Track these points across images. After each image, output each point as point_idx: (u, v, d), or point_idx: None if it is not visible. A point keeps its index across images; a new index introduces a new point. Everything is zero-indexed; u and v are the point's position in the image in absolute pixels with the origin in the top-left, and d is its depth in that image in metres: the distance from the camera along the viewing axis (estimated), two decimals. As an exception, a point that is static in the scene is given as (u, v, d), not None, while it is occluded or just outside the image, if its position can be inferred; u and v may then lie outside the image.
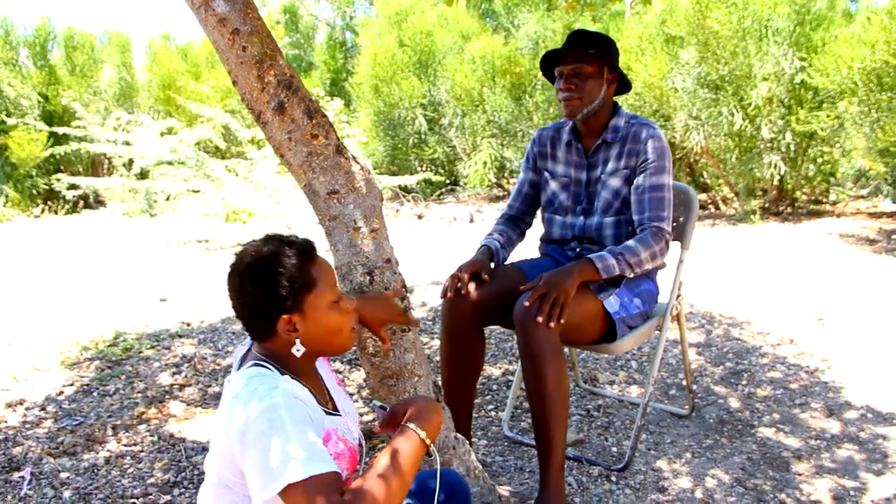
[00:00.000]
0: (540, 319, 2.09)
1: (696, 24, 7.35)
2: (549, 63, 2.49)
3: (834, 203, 8.74)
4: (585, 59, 2.36)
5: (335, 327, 1.45)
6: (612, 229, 2.47)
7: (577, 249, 2.55)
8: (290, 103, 1.88)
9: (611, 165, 2.46)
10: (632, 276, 2.37)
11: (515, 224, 2.73)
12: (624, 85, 2.50)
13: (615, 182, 2.45)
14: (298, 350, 1.42)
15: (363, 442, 1.56)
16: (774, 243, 6.50)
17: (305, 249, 1.44)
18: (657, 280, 2.59)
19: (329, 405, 1.52)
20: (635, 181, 2.40)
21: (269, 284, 1.38)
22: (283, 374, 1.39)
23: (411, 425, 1.36)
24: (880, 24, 6.51)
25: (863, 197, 9.07)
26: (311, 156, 1.90)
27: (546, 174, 2.63)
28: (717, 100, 7.46)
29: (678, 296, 2.66)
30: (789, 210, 8.15)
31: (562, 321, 2.11)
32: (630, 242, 2.33)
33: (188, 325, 4.46)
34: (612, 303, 2.32)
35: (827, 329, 4.06)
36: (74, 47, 12.23)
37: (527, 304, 2.14)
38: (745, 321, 4.20)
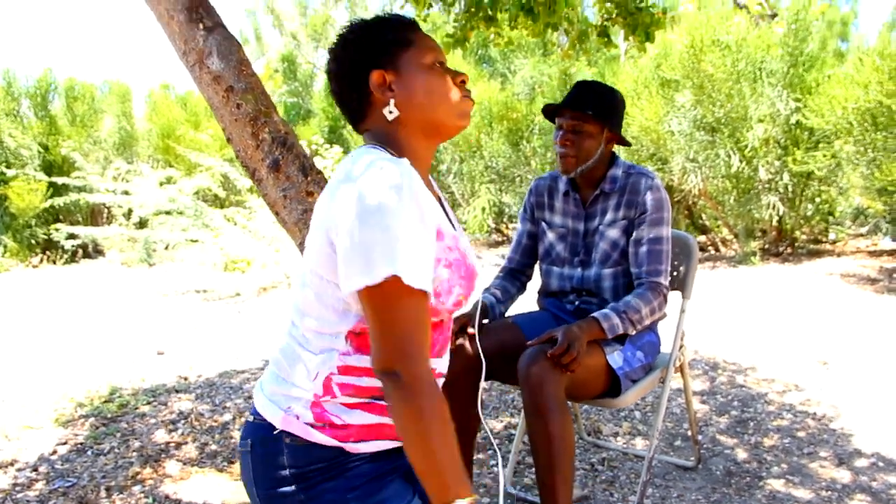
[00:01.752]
0: (561, 372, 2.09)
1: (691, 68, 7.41)
2: (550, 115, 2.48)
3: (834, 242, 8.73)
4: (586, 118, 2.35)
5: (439, 89, 1.29)
6: (611, 281, 2.44)
7: (576, 302, 2.51)
8: (284, 161, 1.87)
9: (609, 216, 2.44)
10: (633, 332, 2.34)
11: (515, 277, 2.70)
12: (624, 142, 2.49)
13: (613, 233, 2.42)
14: (391, 112, 1.27)
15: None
16: (776, 285, 6.46)
17: (406, 19, 1.32)
18: (658, 331, 2.55)
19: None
20: (634, 233, 2.38)
21: (360, 41, 1.29)
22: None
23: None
24: (872, 64, 6.57)
25: (862, 235, 9.06)
26: (306, 213, 1.88)
27: (543, 225, 2.61)
28: (713, 142, 7.49)
29: (681, 346, 2.62)
30: (789, 250, 8.13)
31: (573, 371, 2.09)
32: (630, 299, 2.30)
33: (185, 379, 4.41)
34: (615, 358, 2.28)
35: (832, 373, 4.00)
36: (75, 97, 12.31)
37: (549, 354, 2.10)
38: (749, 367, 4.15)
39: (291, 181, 1.85)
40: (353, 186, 1.14)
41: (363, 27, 1.31)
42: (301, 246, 1.93)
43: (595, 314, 2.26)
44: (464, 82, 1.34)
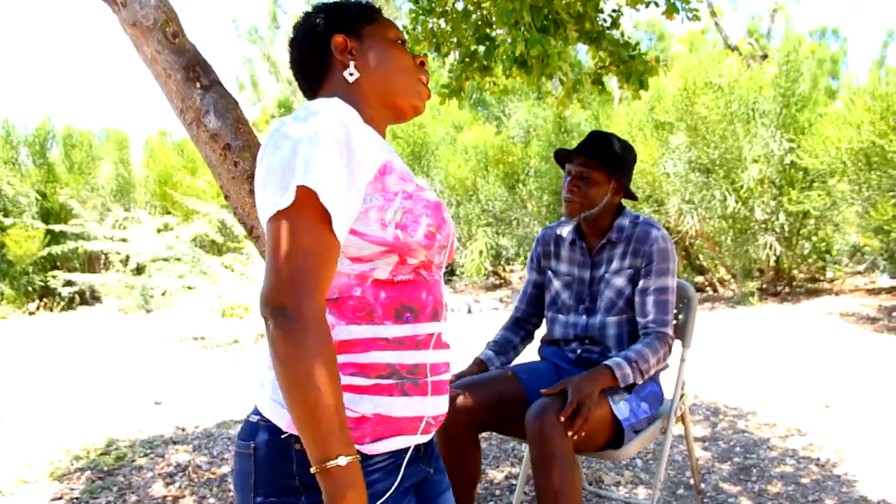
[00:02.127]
0: (571, 434, 2.05)
1: (685, 110, 7.48)
2: (560, 160, 2.53)
3: (832, 280, 8.74)
4: (594, 166, 2.39)
5: (399, 61, 1.31)
6: (615, 329, 2.44)
7: (578, 351, 2.50)
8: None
9: (615, 265, 2.45)
10: (640, 382, 2.33)
11: (520, 326, 2.71)
12: (631, 194, 2.52)
13: (619, 281, 2.43)
14: (352, 74, 1.28)
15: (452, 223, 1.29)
16: (775, 326, 6.45)
17: (371, 4, 1.36)
18: (660, 381, 2.54)
19: None
20: (640, 283, 2.39)
21: (324, 11, 1.32)
22: None
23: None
24: (864, 104, 6.64)
25: (860, 273, 9.07)
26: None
27: (550, 273, 2.62)
28: (708, 183, 7.54)
29: (682, 395, 2.60)
30: (787, 290, 8.13)
31: (582, 434, 2.08)
32: (640, 348, 2.30)
33: (183, 429, 4.36)
34: (622, 409, 2.26)
35: (835, 417, 3.97)
36: (73, 145, 12.39)
37: (562, 418, 2.07)
38: (750, 411, 4.12)
39: (289, 238, 1.86)
40: (278, 123, 1.12)
41: (327, 4, 1.35)
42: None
43: (608, 362, 2.25)
44: (423, 64, 1.36)
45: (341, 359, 1.13)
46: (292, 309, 1.01)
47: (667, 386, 2.59)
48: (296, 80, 1.38)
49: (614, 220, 2.48)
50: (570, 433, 2.04)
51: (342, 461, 1.02)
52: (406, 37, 1.36)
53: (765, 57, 11.44)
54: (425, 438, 1.23)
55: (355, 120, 1.13)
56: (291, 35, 1.37)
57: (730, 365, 5.13)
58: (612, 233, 2.46)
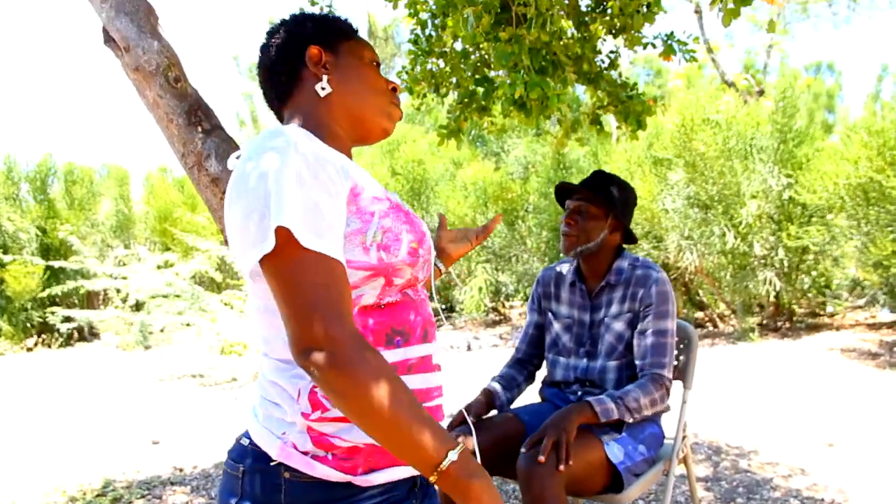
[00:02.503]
0: (542, 458, 2.02)
1: (683, 146, 7.53)
2: (560, 196, 2.55)
3: (832, 315, 8.72)
4: (591, 201, 2.42)
5: (373, 82, 1.28)
6: (615, 373, 2.43)
7: (579, 393, 2.49)
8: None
9: (614, 308, 2.45)
10: (631, 421, 2.31)
11: (522, 366, 2.71)
12: (629, 236, 2.53)
13: (619, 326, 2.43)
14: (324, 88, 1.24)
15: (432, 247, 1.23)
16: (776, 362, 6.42)
17: (351, 22, 1.33)
18: (661, 422, 2.52)
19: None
20: (639, 326, 2.39)
21: (301, 21, 1.28)
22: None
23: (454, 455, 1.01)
24: (860, 140, 6.68)
25: (860, 307, 9.05)
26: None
27: (550, 315, 2.62)
28: (707, 219, 7.56)
29: (684, 437, 2.58)
30: (788, 325, 8.11)
31: (570, 463, 2.05)
32: (629, 388, 2.30)
33: (181, 470, 4.32)
34: (615, 452, 2.24)
35: (838, 455, 3.94)
36: (74, 181, 12.44)
37: (523, 449, 2.08)
38: (752, 450, 4.08)
39: (289, 281, 1.86)
40: (241, 163, 1.07)
41: (306, 14, 1.31)
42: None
43: (588, 398, 2.25)
44: (395, 90, 1.33)
45: None
46: (324, 344, 0.96)
47: (668, 427, 2.58)
48: (261, 87, 1.32)
49: (613, 262, 2.49)
50: (560, 467, 2.02)
51: (453, 455, 0.99)
52: (379, 60, 1.33)
53: (761, 93, 11.54)
54: (413, 471, 1.17)
55: (317, 144, 1.09)
56: (264, 40, 1.31)
57: (731, 402, 5.10)
58: (611, 275, 2.47)
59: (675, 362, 2.64)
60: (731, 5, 1.69)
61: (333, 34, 1.29)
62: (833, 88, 16.61)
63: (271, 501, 1.10)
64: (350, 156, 1.28)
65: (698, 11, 11.99)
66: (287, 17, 1.32)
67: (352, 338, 0.98)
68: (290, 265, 0.98)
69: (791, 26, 14.11)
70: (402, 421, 0.96)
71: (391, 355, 1.13)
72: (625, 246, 2.57)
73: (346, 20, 1.34)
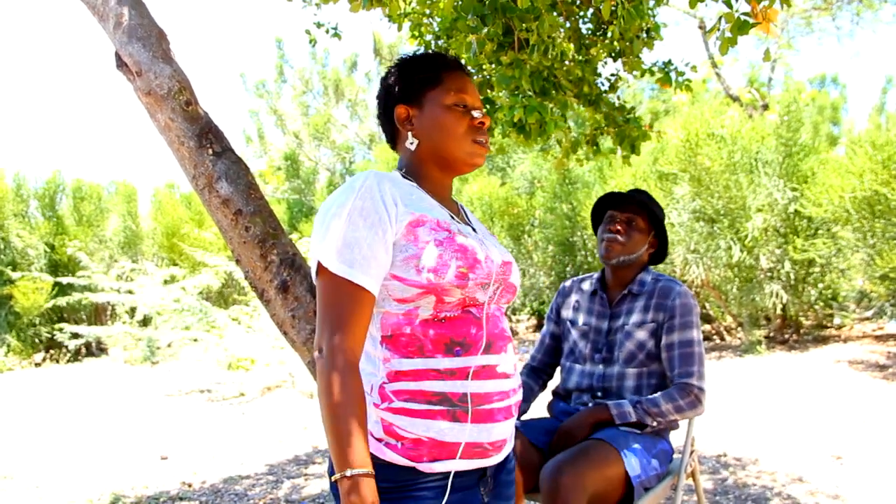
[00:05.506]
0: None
1: (688, 161, 7.55)
2: (603, 204, 2.59)
3: (839, 327, 8.70)
4: (641, 214, 2.49)
5: (453, 128, 1.42)
6: (634, 380, 2.46)
7: (589, 405, 2.51)
8: (293, 281, 1.91)
9: (636, 317, 2.48)
10: (655, 424, 2.34)
11: (537, 375, 2.74)
12: (658, 256, 2.60)
13: (641, 334, 2.46)
14: (412, 143, 1.43)
15: (499, 261, 1.43)
16: (783, 374, 6.41)
17: (450, 58, 1.47)
18: (670, 438, 2.53)
19: (461, 221, 1.47)
20: (664, 339, 2.43)
21: (394, 77, 1.46)
22: (404, 177, 1.43)
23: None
24: (865, 153, 6.69)
25: (867, 319, 9.04)
26: (314, 333, 1.90)
27: (568, 324, 2.66)
28: (713, 233, 7.57)
29: (692, 451, 2.59)
30: (795, 338, 8.10)
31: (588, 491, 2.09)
32: (652, 395, 2.35)
33: (189, 485, 4.34)
34: (633, 465, 2.26)
35: (846, 469, 3.93)
36: (82, 198, 12.53)
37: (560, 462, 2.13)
38: (759, 463, 4.08)
39: (300, 301, 1.88)
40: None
41: (401, 64, 1.49)
42: (310, 365, 1.94)
43: (607, 401, 2.33)
44: (483, 124, 1.46)
45: (397, 386, 1.31)
46: (325, 349, 1.24)
47: (676, 442, 2.59)
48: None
49: (637, 275, 2.54)
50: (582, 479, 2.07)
51: (348, 474, 1.19)
52: (471, 99, 1.47)
53: (766, 107, 11.56)
54: (483, 463, 1.35)
55: (387, 187, 1.32)
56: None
57: (738, 415, 5.10)
58: (634, 285, 2.52)
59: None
60: (728, 34, 1.73)
61: (418, 87, 1.45)
62: (838, 101, 16.59)
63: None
64: (449, 187, 1.52)
65: (703, 27, 12.04)
66: (388, 70, 1.51)
67: (342, 353, 1.23)
68: (322, 284, 1.27)
69: (795, 40, 14.13)
70: (337, 428, 1.20)
71: (450, 362, 1.32)
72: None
73: (437, 62, 1.47)
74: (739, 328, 8.40)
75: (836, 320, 8.77)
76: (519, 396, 1.45)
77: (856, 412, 4.99)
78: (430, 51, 1.51)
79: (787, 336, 8.10)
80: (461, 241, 1.35)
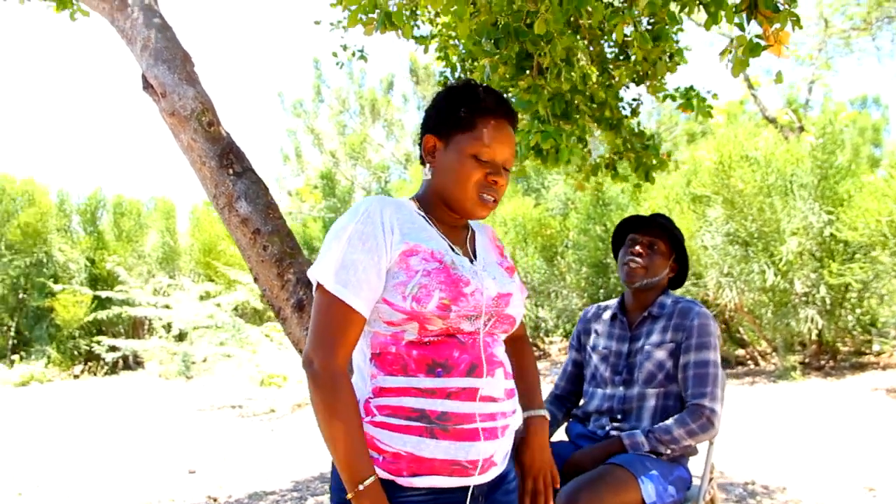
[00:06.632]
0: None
1: (721, 184, 7.49)
2: (625, 227, 2.60)
3: (878, 354, 8.51)
4: (663, 238, 2.49)
5: (463, 176, 1.44)
6: (654, 401, 2.45)
7: (607, 428, 2.49)
8: (309, 301, 1.93)
9: (655, 338, 2.48)
10: (669, 452, 2.33)
11: (561, 403, 2.73)
12: (679, 280, 2.60)
13: (660, 354, 2.45)
14: (426, 175, 1.49)
15: (493, 294, 1.45)
16: (818, 402, 6.29)
17: (496, 103, 1.48)
18: (688, 465, 2.51)
19: (462, 252, 1.50)
20: (681, 359, 2.42)
21: (438, 103, 1.50)
22: (419, 201, 1.51)
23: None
24: (902, 178, 6.59)
25: (908, 346, 8.84)
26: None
27: (589, 350, 2.66)
28: (747, 256, 7.48)
29: (710, 478, 2.56)
30: (831, 364, 7.95)
31: None
32: (666, 422, 2.34)
33: (215, 500, 4.38)
34: (649, 492, 2.24)
35: (879, 501, 3.85)
36: (122, 213, 12.79)
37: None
38: (788, 492, 4.01)
39: (314, 320, 1.91)
40: None
41: (447, 94, 1.52)
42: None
43: (620, 434, 2.31)
44: (496, 182, 1.47)
45: (381, 401, 1.36)
46: (317, 365, 1.31)
47: (696, 469, 2.56)
48: None
49: (657, 298, 2.54)
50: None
51: (360, 487, 1.28)
52: (494, 155, 1.47)
53: (802, 129, 11.43)
54: (466, 481, 1.38)
55: (388, 214, 1.39)
56: None
57: (769, 442, 5.01)
58: (654, 307, 2.51)
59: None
60: (741, 56, 1.73)
61: (450, 126, 1.47)
62: (879, 122, 16.35)
63: (339, 488, 1.36)
64: (458, 218, 1.52)
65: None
66: (438, 92, 1.56)
67: (330, 367, 1.31)
68: (318, 299, 1.33)
69: (833, 61, 13.96)
70: (339, 445, 1.30)
71: (431, 382, 1.36)
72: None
73: (479, 106, 1.47)
74: (773, 353, 8.26)
75: (875, 347, 8.58)
76: (512, 420, 1.48)
77: (891, 442, 4.87)
78: (482, 84, 1.50)
79: (823, 362, 7.95)
80: (452, 272, 1.39)
